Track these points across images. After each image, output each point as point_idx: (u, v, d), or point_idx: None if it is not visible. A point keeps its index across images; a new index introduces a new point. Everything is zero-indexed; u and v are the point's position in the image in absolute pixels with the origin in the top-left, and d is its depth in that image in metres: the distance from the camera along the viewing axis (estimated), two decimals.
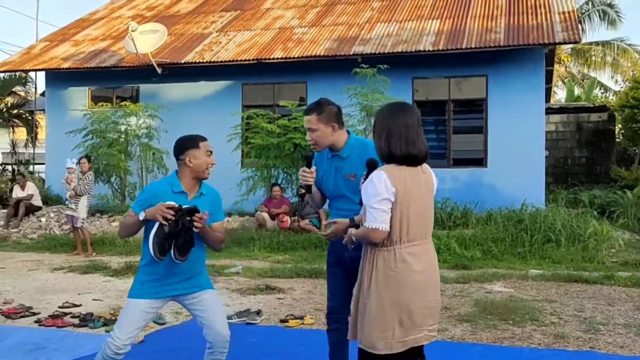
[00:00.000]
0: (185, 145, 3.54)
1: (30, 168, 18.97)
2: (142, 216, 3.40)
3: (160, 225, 3.35)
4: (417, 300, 2.83)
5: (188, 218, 3.35)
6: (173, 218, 3.32)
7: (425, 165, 2.97)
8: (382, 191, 2.78)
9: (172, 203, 3.36)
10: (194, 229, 3.38)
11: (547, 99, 17.48)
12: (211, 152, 3.58)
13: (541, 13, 13.00)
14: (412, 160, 2.88)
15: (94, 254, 10.04)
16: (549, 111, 16.78)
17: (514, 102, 12.39)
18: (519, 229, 9.69)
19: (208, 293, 3.64)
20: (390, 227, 2.80)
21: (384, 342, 2.81)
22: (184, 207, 3.37)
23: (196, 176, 3.55)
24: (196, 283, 3.62)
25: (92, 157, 12.31)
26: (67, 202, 10.29)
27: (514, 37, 12.22)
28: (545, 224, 9.68)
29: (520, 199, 10.91)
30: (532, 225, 9.69)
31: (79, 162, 10.30)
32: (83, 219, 10.16)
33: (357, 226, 3.03)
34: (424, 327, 2.87)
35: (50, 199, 14.35)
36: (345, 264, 3.48)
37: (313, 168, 3.64)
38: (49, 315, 5.94)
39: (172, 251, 3.40)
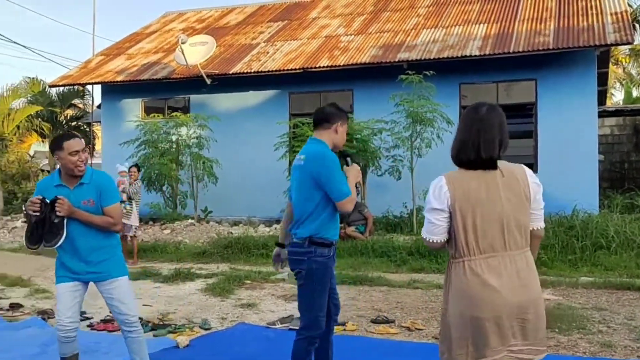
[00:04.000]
0: (52, 147, 3.95)
1: None
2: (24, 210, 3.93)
3: (30, 218, 3.80)
4: (490, 317, 2.56)
5: (51, 207, 3.77)
6: (38, 209, 3.74)
7: (514, 170, 2.70)
8: (431, 199, 2.67)
9: (37, 197, 3.77)
10: (58, 213, 3.75)
11: (603, 102, 17.02)
12: (77, 151, 3.81)
13: (592, 14, 12.71)
14: (464, 162, 2.68)
15: (138, 262, 10.25)
16: (604, 114, 16.32)
17: (565, 106, 12.13)
18: (570, 235, 9.47)
19: (118, 280, 4.00)
20: (455, 237, 2.64)
21: (462, 358, 2.64)
22: (47, 199, 3.78)
23: (67, 173, 3.88)
24: (104, 271, 3.96)
25: (144, 167, 12.71)
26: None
27: (563, 39, 11.98)
28: (597, 230, 9.43)
29: (571, 204, 10.66)
30: (583, 232, 9.46)
31: (129, 170, 10.64)
32: (135, 228, 10.46)
33: None
34: (503, 348, 2.59)
35: None
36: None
37: None
38: (101, 320, 6.18)
39: (43, 239, 3.84)
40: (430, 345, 5.07)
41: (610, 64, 18.46)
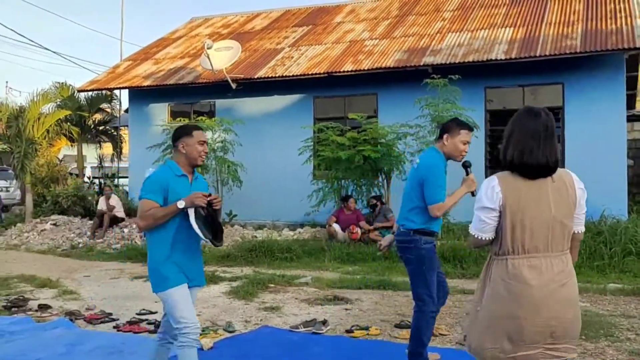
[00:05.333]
0: (180, 133, 3.78)
1: (115, 181, 19.92)
2: (181, 204, 3.54)
3: (197, 211, 3.54)
4: (530, 317, 2.66)
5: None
6: (205, 204, 3.56)
7: (562, 175, 2.79)
8: (483, 198, 2.76)
9: (204, 192, 3.60)
10: (215, 207, 3.65)
11: (632, 106, 16.71)
12: (204, 141, 3.75)
13: (621, 17, 12.52)
14: (526, 169, 2.72)
15: None
16: (633, 118, 16.06)
17: (593, 110, 11.96)
18: (598, 242, 9.33)
19: (198, 290, 3.84)
20: (502, 236, 2.73)
21: (491, 354, 2.74)
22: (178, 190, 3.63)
23: (189, 162, 3.74)
24: (202, 276, 3.85)
25: None
26: None
27: (591, 43, 11.82)
28: (626, 236, 9.28)
29: (599, 209, 10.50)
30: (611, 237, 9.31)
31: None
32: None
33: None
34: (538, 345, 2.69)
35: (133, 211, 15.00)
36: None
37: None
38: (127, 321, 6.26)
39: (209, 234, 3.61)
40: (455, 351, 5.04)
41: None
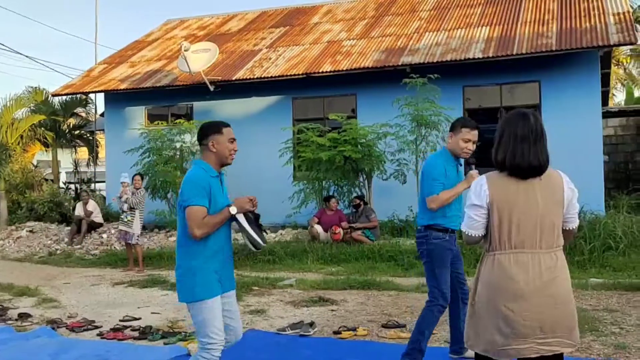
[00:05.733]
0: (209, 130, 3.59)
1: (92, 186, 19.65)
2: (233, 211, 3.44)
3: (247, 215, 3.49)
4: (517, 310, 2.73)
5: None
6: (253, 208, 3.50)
7: (552, 175, 2.89)
8: (472, 196, 2.90)
9: (250, 196, 3.53)
10: (255, 210, 3.58)
11: (605, 103, 16.99)
12: (234, 139, 3.60)
13: (594, 15, 12.70)
14: (517, 170, 2.83)
15: (145, 270, 10.27)
16: (607, 115, 16.29)
17: (569, 107, 12.10)
18: (578, 237, 9.43)
19: (233, 292, 3.69)
20: (491, 232, 2.86)
21: (483, 346, 2.84)
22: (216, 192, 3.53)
23: (220, 161, 3.58)
24: (234, 280, 3.71)
25: (148, 175, 12.72)
26: (122, 217, 10.58)
27: (566, 41, 11.97)
28: (605, 231, 9.40)
29: (578, 205, 10.59)
30: (591, 233, 9.42)
31: (132, 179, 10.65)
32: (138, 236, 10.46)
33: None
34: (529, 339, 2.74)
35: (111, 216, 14.82)
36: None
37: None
38: (110, 329, 6.16)
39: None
40: (444, 349, 5.04)
41: (612, 65, 18.42)
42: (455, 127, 4.52)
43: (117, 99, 15.78)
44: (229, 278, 3.62)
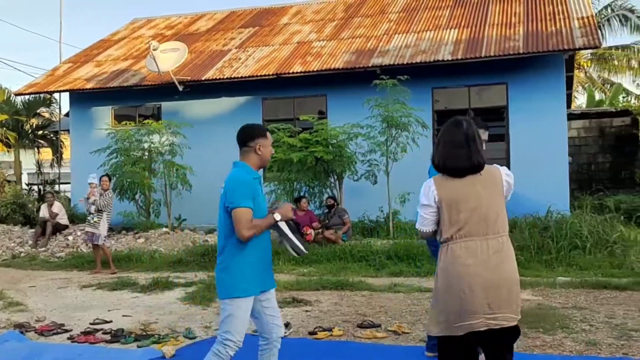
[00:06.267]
0: (256, 133, 3.69)
1: (56, 187, 19.25)
2: (278, 217, 3.57)
3: (289, 224, 3.64)
4: (468, 291, 3.05)
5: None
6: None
7: (491, 170, 3.21)
8: (422, 197, 3.23)
9: (289, 204, 3.69)
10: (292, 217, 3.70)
11: (568, 105, 17.35)
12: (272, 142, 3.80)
13: (560, 19, 12.97)
14: (451, 172, 3.18)
15: (116, 271, 10.12)
16: (571, 117, 16.64)
17: (536, 109, 12.34)
18: (545, 237, 9.61)
19: (273, 291, 3.78)
20: (442, 226, 3.18)
21: (441, 327, 3.15)
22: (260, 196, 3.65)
23: (262, 164, 3.71)
24: (273, 278, 3.78)
25: (116, 175, 12.51)
26: (88, 218, 10.39)
27: (533, 44, 12.20)
28: (571, 231, 9.58)
29: (544, 206, 10.81)
30: (557, 232, 9.60)
31: (100, 180, 10.47)
32: (104, 237, 10.29)
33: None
34: (479, 314, 3.06)
35: (76, 218, 14.55)
36: None
37: None
38: (81, 332, 6.03)
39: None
40: (420, 348, 5.07)
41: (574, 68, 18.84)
42: None
43: (83, 98, 15.50)
44: (269, 278, 3.72)
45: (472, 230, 3.11)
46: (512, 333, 3.15)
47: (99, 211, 10.20)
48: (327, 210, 11.55)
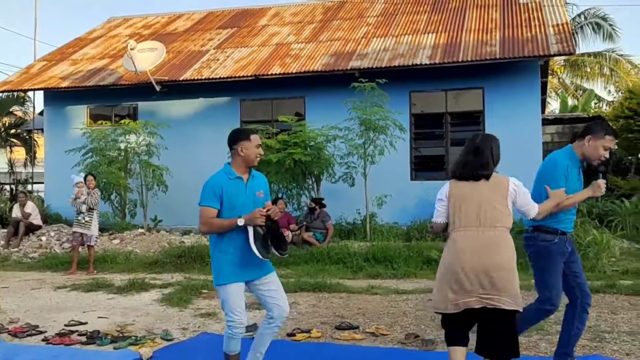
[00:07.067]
0: (239, 136, 4.07)
1: (29, 187, 18.95)
2: (241, 222, 3.87)
3: (255, 229, 3.86)
4: (462, 271, 3.64)
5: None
6: (264, 222, 3.85)
7: (499, 178, 3.83)
8: (439, 193, 3.92)
9: (261, 210, 3.85)
10: (275, 218, 3.93)
11: (542, 110, 17.60)
12: (260, 144, 4.10)
13: (535, 26, 13.17)
14: (460, 178, 3.87)
15: (95, 272, 10.03)
16: (544, 122, 16.86)
17: (511, 114, 12.51)
18: (520, 239, 9.70)
19: (273, 275, 4.15)
20: (449, 218, 3.83)
21: (441, 304, 3.77)
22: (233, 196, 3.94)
23: (246, 164, 4.04)
24: (266, 267, 4.09)
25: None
26: (78, 218, 10.24)
27: (509, 49, 12.36)
28: None
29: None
30: None
31: (85, 179, 10.35)
32: (96, 237, 10.20)
33: None
34: (474, 293, 3.63)
35: (49, 218, 14.35)
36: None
37: None
38: (56, 334, 5.94)
39: (272, 249, 3.89)
40: (399, 350, 5.10)
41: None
42: (597, 132, 4.27)
43: (58, 97, 15.30)
44: (255, 268, 4.02)
45: (470, 222, 3.72)
46: (508, 316, 3.62)
47: (90, 210, 10.08)
48: (309, 213, 11.50)
